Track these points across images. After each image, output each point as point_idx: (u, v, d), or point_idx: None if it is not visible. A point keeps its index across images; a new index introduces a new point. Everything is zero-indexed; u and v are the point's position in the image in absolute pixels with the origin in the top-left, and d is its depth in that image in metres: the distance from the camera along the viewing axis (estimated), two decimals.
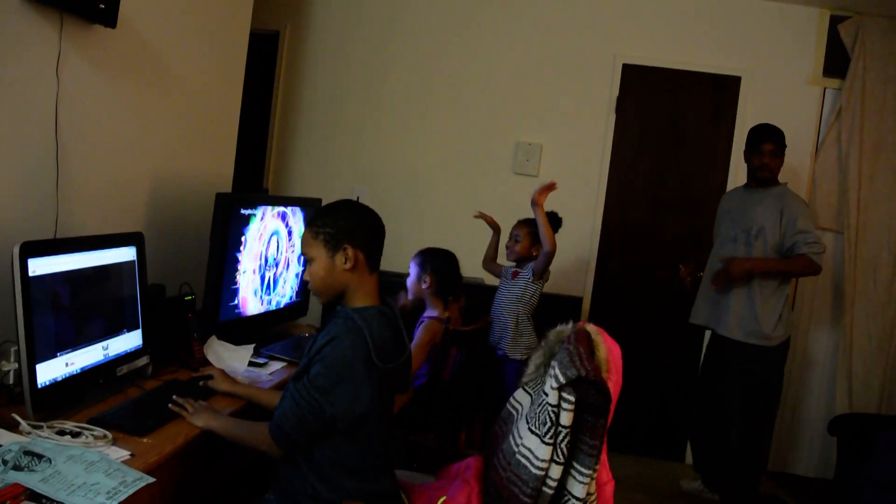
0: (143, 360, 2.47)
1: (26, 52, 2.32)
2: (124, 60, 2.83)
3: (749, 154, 3.81)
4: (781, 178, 3.82)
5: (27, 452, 1.66)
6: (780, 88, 4.64)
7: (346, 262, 2.04)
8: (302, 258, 3.44)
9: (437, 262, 3.45)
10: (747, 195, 3.81)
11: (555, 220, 3.90)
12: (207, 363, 2.65)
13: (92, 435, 1.87)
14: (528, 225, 3.84)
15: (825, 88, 4.65)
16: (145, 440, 1.94)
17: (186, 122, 3.36)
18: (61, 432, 1.86)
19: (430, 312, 3.39)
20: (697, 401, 3.96)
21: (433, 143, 4.91)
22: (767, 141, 3.70)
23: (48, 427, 1.87)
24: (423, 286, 3.41)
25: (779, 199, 3.66)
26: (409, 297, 3.49)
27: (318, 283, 2.07)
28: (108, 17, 2.54)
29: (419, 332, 3.33)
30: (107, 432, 1.90)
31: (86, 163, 2.68)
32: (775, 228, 3.61)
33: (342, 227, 2.05)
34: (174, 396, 2.18)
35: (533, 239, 3.81)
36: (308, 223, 2.11)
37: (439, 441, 3.16)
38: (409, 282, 3.49)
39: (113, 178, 2.87)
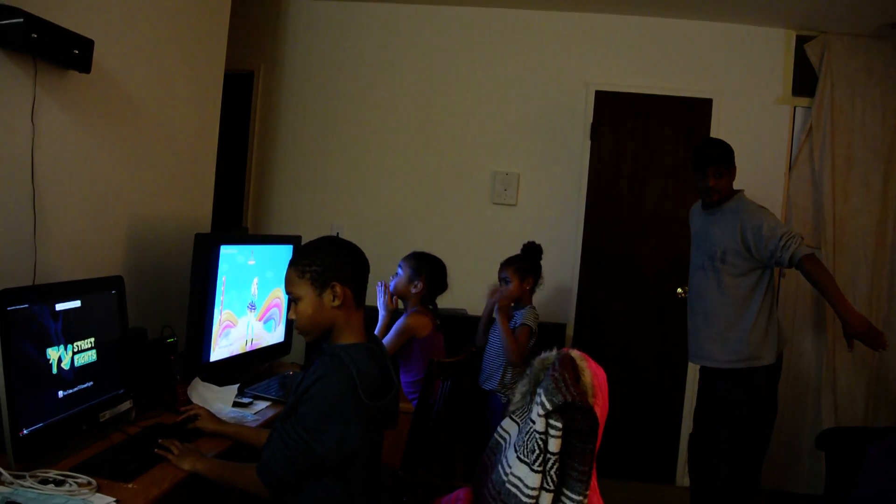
0: (126, 405, 2.45)
1: (0, 99, 2.32)
2: (99, 105, 2.83)
3: (695, 177, 3.64)
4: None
5: (10, 503, 1.64)
6: (751, 109, 4.71)
7: (334, 300, 2.03)
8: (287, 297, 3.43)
9: (433, 270, 3.57)
10: (706, 217, 3.67)
11: (535, 250, 3.92)
12: (191, 405, 2.63)
13: (76, 482, 1.84)
14: (514, 262, 3.86)
15: (795, 107, 4.73)
16: (130, 486, 1.92)
17: (164, 163, 3.35)
18: (44, 481, 1.83)
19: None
20: (695, 430, 3.88)
21: (410, 175, 4.94)
22: (708, 165, 3.54)
23: (31, 476, 1.84)
24: (413, 290, 3.51)
25: (735, 214, 3.50)
26: (387, 304, 3.57)
27: (305, 321, 2.06)
28: (82, 63, 2.55)
29: (399, 323, 3.45)
30: (91, 479, 1.87)
31: (63, 207, 2.67)
32: (739, 247, 3.45)
33: (329, 264, 2.04)
34: (160, 440, 2.16)
35: (521, 276, 3.82)
36: (293, 262, 2.09)
37: (429, 474, 3.14)
38: (397, 281, 3.57)
39: (91, 222, 2.86)
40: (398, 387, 2.16)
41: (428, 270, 3.56)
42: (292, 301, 2.08)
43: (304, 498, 1.98)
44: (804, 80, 4.67)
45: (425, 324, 3.49)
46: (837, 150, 4.55)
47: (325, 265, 2.04)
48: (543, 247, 3.95)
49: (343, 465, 1.96)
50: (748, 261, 3.46)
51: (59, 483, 1.83)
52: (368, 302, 2.19)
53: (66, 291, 2.22)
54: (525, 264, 3.85)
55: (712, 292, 3.56)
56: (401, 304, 3.62)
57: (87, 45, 2.55)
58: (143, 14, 3.09)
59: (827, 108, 4.55)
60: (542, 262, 3.95)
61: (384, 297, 3.58)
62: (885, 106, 4.55)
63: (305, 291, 2.04)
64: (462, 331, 4.09)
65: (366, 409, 1.95)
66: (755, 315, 3.47)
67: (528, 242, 3.96)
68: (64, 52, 2.46)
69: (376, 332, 3.55)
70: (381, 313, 3.60)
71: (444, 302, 3.77)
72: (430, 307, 3.65)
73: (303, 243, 3.35)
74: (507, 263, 3.87)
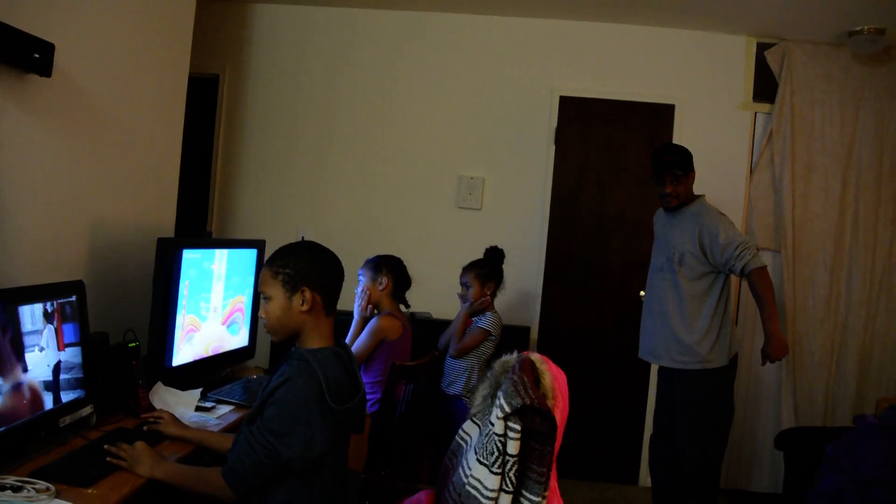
0: (87, 410, 2.43)
1: None
2: (60, 108, 2.81)
3: (654, 182, 3.70)
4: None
5: None
6: (713, 114, 4.78)
7: (303, 304, 2.05)
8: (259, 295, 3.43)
9: (392, 264, 3.63)
10: (668, 219, 3.75)
11: (497, 254, 3.95)
12: (154, 410, 2.61)
13: (34, 488, 1.83)
14: (475, 268, 3.89)
15: (756, 113, 4.80)
16: (90, 491, 1.91)
17: (126, 167, 3.33)
18: (1, 487, 1.82)
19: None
20: (654, 430, 3.94)
21: (376, 179, 4.95)
22: (665, 172, 3.59)
23: None
24: (380, 288, 3.56)
25: (695, 218, 3.57)
26: (361, 310, 3.57)
27: (273, 322, 2.08)
28: (43, 66, 2.53)
29: (370, 324, 3.47)
30: (50, 485, 1.86)
31: (23, 212, 2.64)
32: (696, 251, 3.52)
33: (302, 269, 2.06)
34: (105, 446, 2.14)
35: (482, 281, 3.85)
36: (268, 262, 2.12)
37: (393, 476, 3.15)
38: (363, 287, 3.61)
39: (52, 227, 2.84)
40: (364, 391, 2.18)
41: (387, 265, 3.62)
42: (264, 299, 2.09)
43: (270, 502, 1.99)
44: (765, 87, 4.75)
45: (396, 327, 3.51)
46: (797, 155, 4.63)
47: (298, 269, 2.06)
48: (508, 251, 3.98)
49: (309, 469, 1.97)
50: (704, 264, 3.53)
51: (16, 489, 1.82)
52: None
53: (26, 296, 2.20)
54: (486, 269, 3.88)
55: (668, 293, 3.63)
56: (376, 311, 3.63)
57: (47, 48, 2.53)
58: (106, 18, 3.07)
59: (787, 113, 4.63)
60: (507, 266, 3.98)
61: (360, 301, 3.59)
62: (843, 112, 4.64)
63: (276, 292, 2.06)
64: (427, 334, 4.11)
65: (332, 413, 1.96)
66: (709, 318, 3.54)
67: (491, 247, 3.99)
68: (24, 55, 2.44)
69: (349, 335, 3.56)
70: (355, 317, 3.61)
71: (411, 304, 3.79)
72: (404, 308, 3.70)
73: (267, 247, 3.37)
74: (469, 268, 3.90)
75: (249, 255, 3.45)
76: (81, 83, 2.93)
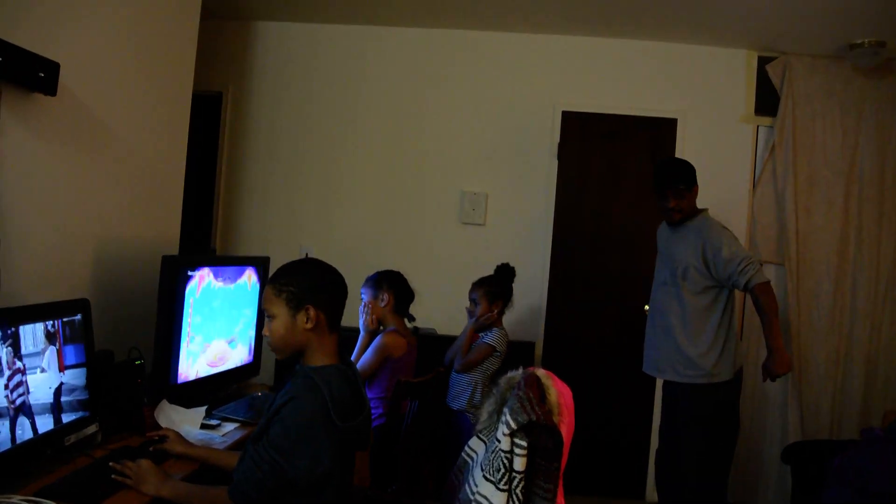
0: (92, 428, 2.43)
1: None
2: (65, 127, 2.82)
3: (656, 196, 3.67)
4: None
5: None
6: (715, 128, 4.79)
7: (307, 322, 2.04)
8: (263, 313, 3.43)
9: (392, 279, 3.64)
10: (671, 233, 3.73)
11: (508, 272, 3.95)
12: (159, 428, 2.61)
13: None
14: (484, 285, 3.88)
15: (758, 126, 4.81)
16: None
17: (131, 185, 3.34)
18: None
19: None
20: (660, 445, 3.92)
21: (379, 196, 4.96)
22: (667, 187, 3.58)
23: None
24: (382, 304, 3.57)
25: (698, 232, 3.56)
26: (367, 325, 3.59)
27: (277, 340, 2.08)
28: (48, 85, 2.55)
29: (375, 341, 3.47)
30: None
31: (28, 230, 2.65)
32: (700, 265, 3.50)
33: (306, 287, 2.06)
34: (110, 464, 2.13)
35: (491, 299, 3.84)
36: (271, 279, 2.11)
37: (399, 493, 3.14)
38: (366, 304, 3.61)
39: (56, 245, 2.84)
40: (370, 408, 2.17)
41: (387, 281, 3.62)
42: (267, 317, 2.09)
43: None
44: (766, 100, 4.76)
45: (401, 345, 3.51)
46: (799, 168, 4.63)
47: (301, 287, 2.05)
48: (512, 266, 3.98)
49: (315, 487, 1.96)
50: (708, 279, 3.52)
51: None
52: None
53: (31, 315, 2.21)
54: (496, 287, 3.87)
55: (673, 308, 3.61)
56: (381, 327, 3.63)
57: (52, 67, 2.55)
58: (110, 36, 3.08)
59: (789, 126, 4.63)
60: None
61: (365, 317, 3.59)
62: (844, 125, 4.65)
63: (280, 310, 2.06)
64: (432, 349, 4.10)
65: (337, 431, 1.96)
66: (714, 332, 3.53)
67: (502, 264, 3.98)
68: (29, 74, 2.45)
69: (356, 350, 3.56)
70: (361, 333, 3.61)
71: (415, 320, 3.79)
72: (409, 321, 3.71)
73: (271, 264, 3.37)
74: (479, 284, 3.90)
75: (253, 271, 3.44)
76: (86, 102, 2.95)
